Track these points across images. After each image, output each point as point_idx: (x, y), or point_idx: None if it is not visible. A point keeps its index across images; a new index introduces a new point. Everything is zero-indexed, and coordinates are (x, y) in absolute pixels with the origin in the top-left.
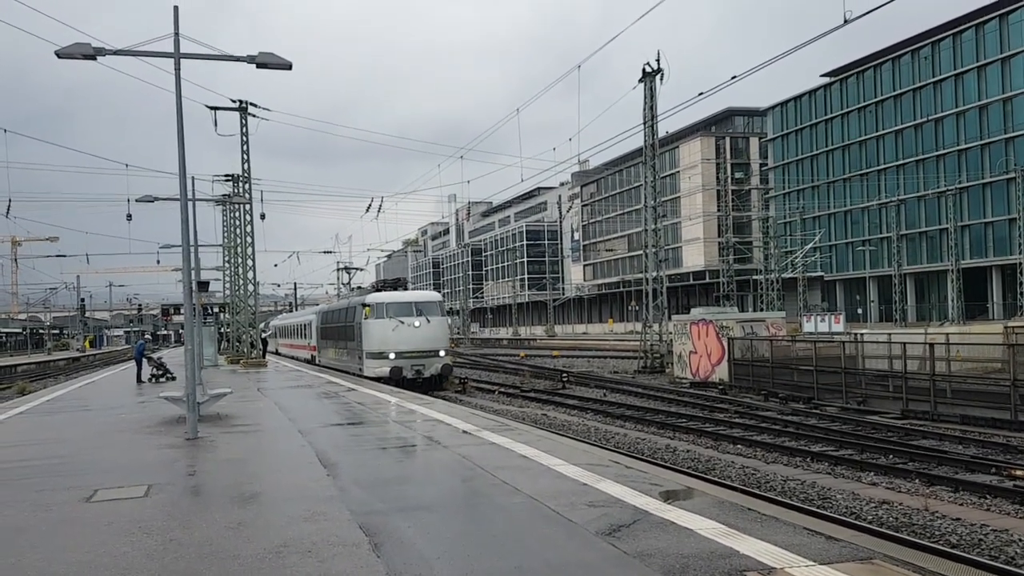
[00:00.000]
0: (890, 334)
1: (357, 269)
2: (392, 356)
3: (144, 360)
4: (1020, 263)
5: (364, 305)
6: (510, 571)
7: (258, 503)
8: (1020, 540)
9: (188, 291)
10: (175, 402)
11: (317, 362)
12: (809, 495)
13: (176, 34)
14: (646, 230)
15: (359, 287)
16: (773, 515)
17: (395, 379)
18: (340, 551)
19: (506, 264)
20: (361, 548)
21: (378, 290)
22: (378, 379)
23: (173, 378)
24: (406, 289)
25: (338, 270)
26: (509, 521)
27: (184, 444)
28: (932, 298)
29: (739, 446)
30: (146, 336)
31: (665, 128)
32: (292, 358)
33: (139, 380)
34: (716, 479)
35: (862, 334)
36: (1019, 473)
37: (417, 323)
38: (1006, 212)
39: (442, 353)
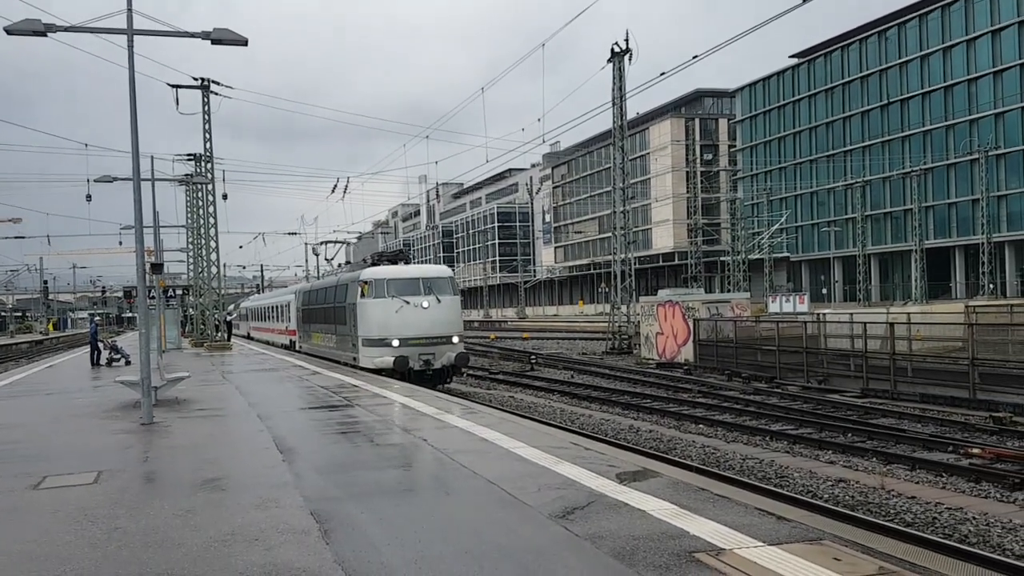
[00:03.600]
0: (852, 314)
1: (341, 243)
2: (396, 344)
3: (99, 343)
4: (982, 243)
5: (361, 282)
6: (460, 555)
7: (210, 490)
8: (974, 518)
9: (141, 273)
10: (131, 386)
11: (298, 348)
12: (767, 474)
13: (129, 10)
14: (615, 212)
15: (348, 262)
16: (726, 495)
17: (400, 371)
18: (289, 539)
19: (477, 246)
20: (311, 535)
21: (374, 264)
22: (378, 371)
23: (129, 362)
24: (408, 263)
25: (323, 243)
26: (464, 506)
27: (139, 429)
28: (896, 278)
29: (701, 426)
30: (96, 320)
31: (635, 109)
32: (267, 343)
33: (94, 363)
34: (675, 459)
35: (824, 314)
36: (975, 451)
37: (425, 303)
38: (969, 193)
39: (455, 339)
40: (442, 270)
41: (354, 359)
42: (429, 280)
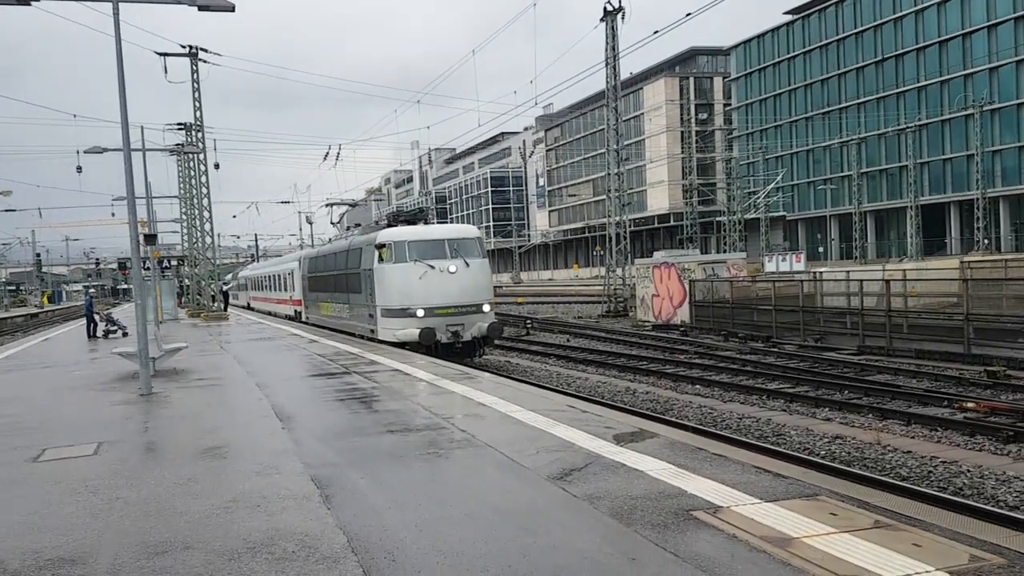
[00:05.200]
0: (848, 271)
1: (349, 204)
2: (421, 314)
3: (95, 315)
4: (977, 199)
5: (378, 245)
6: (460, 518)
7: (210, 458)
8: (968, 471)
9: (135, 245)
10: (128, 357)
11: (304, 320)
12: (764, 432)
13: None
14: (609, 174)
15: (356, 225)
16: (723, 454)
17: (426, 344)
18: (290, 504)
19: (471, 211)
20: (312, 501)
21: (390, 225)
22: (400, 345)
23: (126, 334)
24: (427, 223)
25: (328, 205)
26: (462, 469)
27: (137, 400)
28: (892, 235)
29: (697, 386)
30: (91, 292)
31: (628, 69)
32: (269, 314)
33: (91, 335)
34: (672, 420)
35: (821, 272)
36: (970, 405)
37: (452, 267)
38: (964, 149)
39: (486, 307)
40: (469, 230)
41: (372, 331)
42: (455, 241)
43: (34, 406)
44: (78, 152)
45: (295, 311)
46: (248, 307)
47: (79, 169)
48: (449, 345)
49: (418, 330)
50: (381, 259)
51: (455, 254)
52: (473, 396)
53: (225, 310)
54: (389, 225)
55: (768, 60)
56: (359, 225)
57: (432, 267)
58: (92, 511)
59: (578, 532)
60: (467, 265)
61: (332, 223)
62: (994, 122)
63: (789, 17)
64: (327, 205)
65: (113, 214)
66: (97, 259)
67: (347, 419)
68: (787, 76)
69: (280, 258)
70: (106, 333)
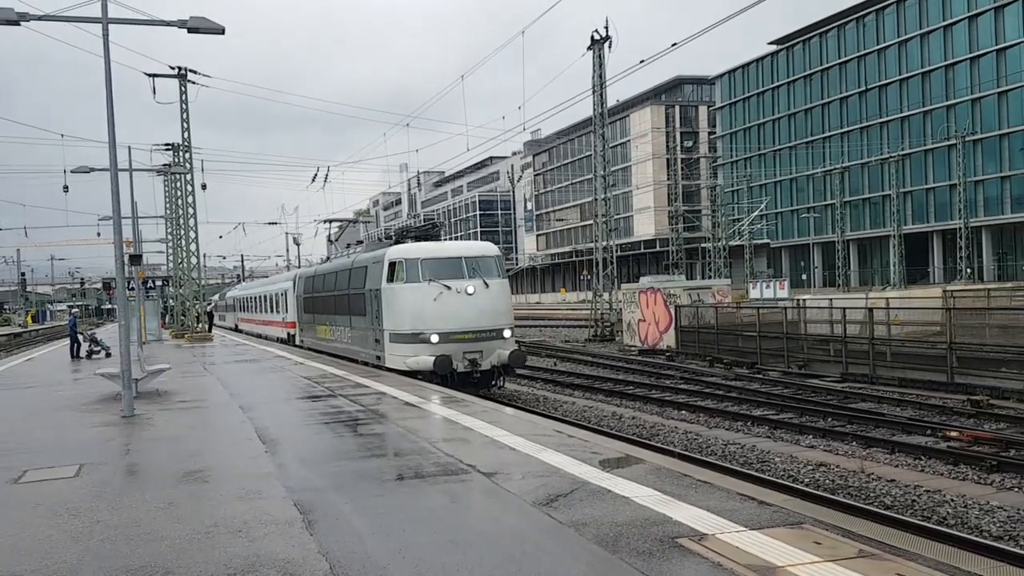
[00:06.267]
0: (831, 299)
1: (347, 222)
2: (435, 339)
3: (79, 335)
4: (960, 228)
5: (388, 263)
6: (444, 544)
7: (192, 482)
8: (952, 501)
9: (120, 264)
10: (111, 378)
11: (299, 343)
12: (749, 459)
13: None
14: (596, 199)
15: (358, 242)
16: (708, 481)
17: (441, 374)
18: (272, 529)
19: (460, 234)
20: (294, 526)
21: (399, 241)
22: (411, 374)
23: (109, 354)
24: (438, 239)
25: (327, 221)
26: (448, 494)
27: (120, 422)
28: (875, 263)
29: (683, 412)
30: (75, 312)
31: (615, 96)
32: (259, 337)
33: (74, 356)
34: (658, 445)
35: (804, 300)
36: (953, 434)
37: (471, 288)
38: (947, 178)
39: (507, 333)
40: (487, 247)
41: (377, 358)
42: (473, 260)
43: (16, 426)
44: (65, 171)
45: (288, 334)
46: (236, 329)
47: (66, 188)
48: (466, 374)
49: (432, 357)
50: (391, 278)
51: (473, 273)
52: (459, 420)
53: (209, 331)
54: (398, 241)
55: (753, 89)
56: (360, 243)
57: (448, 288)
58: (72, 534)
59: (563, 560)
60: (486, 286)
61: (330, 240)
62: (976, 152)
63: (774, 47)
64: (325, 221)
65: (99, 234)
66: (82, 279)
67: (331, 443)
68: (771, 105)
69: (272, 277)
70: (89, 353)
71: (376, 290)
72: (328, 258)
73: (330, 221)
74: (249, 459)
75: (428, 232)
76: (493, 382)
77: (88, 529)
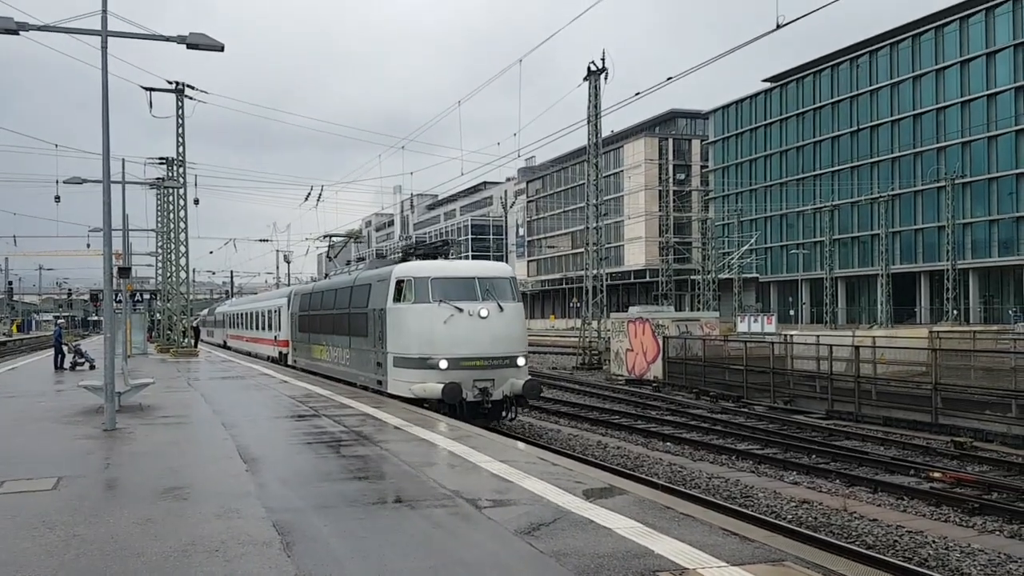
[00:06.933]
0: (818, 336)
1: (348, 238)
2: (444, 365)
3: (64, 346)
4: (947, 270)
5: (395, 281)
6: (424, 571)
7: (171, 499)
8: (933, 542)
9: (108, 277)
10: (94, 391)
11: (291, 363)
12: (732, 493)
13: (104, 11)
14: (588, 228)
15: (359, 258)
16: (691, 514)
17: (450, 402)
18: (250, 550)
19: (451, 258)
20: (272, 547)
21: (405, 258)
22: (417, 401)
23: (93, 366)
24: (447, 258)
25: (327, 236)
26: (428, 520)
27: (101, 435)
28: (862, 301)
29: (668, 443)
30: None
31: (610, 127)
32: (248, 355)
33: (58, 367)
34: (642, 476)
35: (791, 335)
36: (937, 475)
37: (484, 311)
38: (936, 220)
39: (520, 361)
40: (502, 268)
41: (379, 383)
42: (487, 281)
43: None
44: (57, 182)
45: (280, 352)
46: (224, 345)
47: (57, 199)
48: (475, 405)
49: (441, 385)
50: (397, 298)
51: (487, 295)
52: (443, 445)
53: (195, 346)
54: (404, 259)
55: (745, 125)
56: (362, 259)
57: (460, 310)
58: (47, 548)
59: None
60: (501, 309)
61: (329, 257)
62: (966, 195)
63: (767, 84)
64: (324, 236)
65: (88, 245)
66: (69, 289)
67: (313, 463)
68: (764, 141)
69: (265, 293)
70: (73, 365)
71: (380, 310)
72: (327, 275)
73: (330, 236)
74: (230, 477)
75: (438, 249)
76: (504, 414)
77: (64, 543)
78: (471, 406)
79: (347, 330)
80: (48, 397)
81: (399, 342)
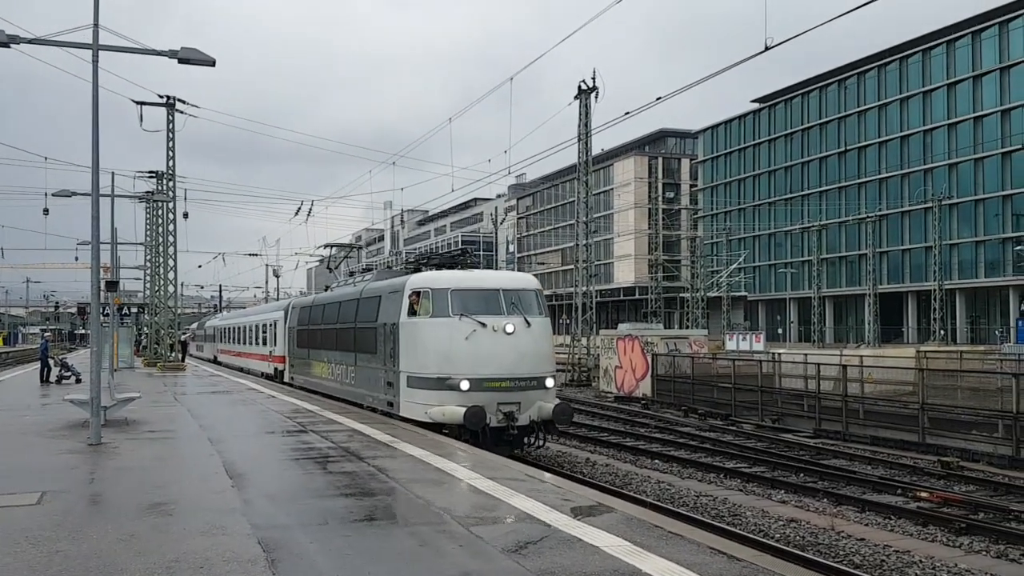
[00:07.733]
0: (806, 354)
1: (349, 247)
2: (465, 386)
3: (49, 360)
4: (934, 290)
5: (410, 293)
6: None
7: (155, 515)
8: (920, 562)
9: (95, 290)
10: (80, 405)
11: (288, 380)
12: (720, 511)
13: (95, 25)
14: (578, 245)
15: (366, 269)
16: (679, 532)
17: (472, 428)
18: (234, 568)
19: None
20: (257, 565)
21: (417, 269)
22: (433, 426)
23: (79, 380)
24: (466, 268)
25: (327, 246)
26: (415, 537)
27: (86, 450)
28: (850, 320)
29: (656, 461)
30: (47, 336)
31: (600, 145)
32: (241, 371)
33: (44, 380)
34: (630, 494)
35: (779, 354)
36: (924, 495)
37: (510, 327)
38: (923, 240)
39: (549, 383)
40: (528, 279)
41: (389, 404)
42: (513, 293)
43: None
44: (46, 194)
45: (275, 369)
46: (215, 360)
47: (46, 211)
48: (500, 430)
49: (463, 409)
50: (412, 311)
51: (513, 309)
52: (431, 461)
53: (183, 360)
54: (417, 269)
55: (734, 145)
56: (369, 270)
57: (483, 325)
58: (30, 564)
59: None
60: (528, 325)
61: (329, 268)
62: (952, 216)
63: (756, 105)
64: (324, 246)
65: (76, 258)
66: (56, 302)
67: (300, 480)
68: (753, 161)
69: (259, 306)
70: (59, 379)
71: (392, 324)
72: (327, 287)
73: (330, 246)
74: (215, 493)
75: (455, 259)
76: (531, 440)
77: (47, 559)
78: (495, 432)
79: (353, 346)
80: (33, 411)
81: (414, 360)
